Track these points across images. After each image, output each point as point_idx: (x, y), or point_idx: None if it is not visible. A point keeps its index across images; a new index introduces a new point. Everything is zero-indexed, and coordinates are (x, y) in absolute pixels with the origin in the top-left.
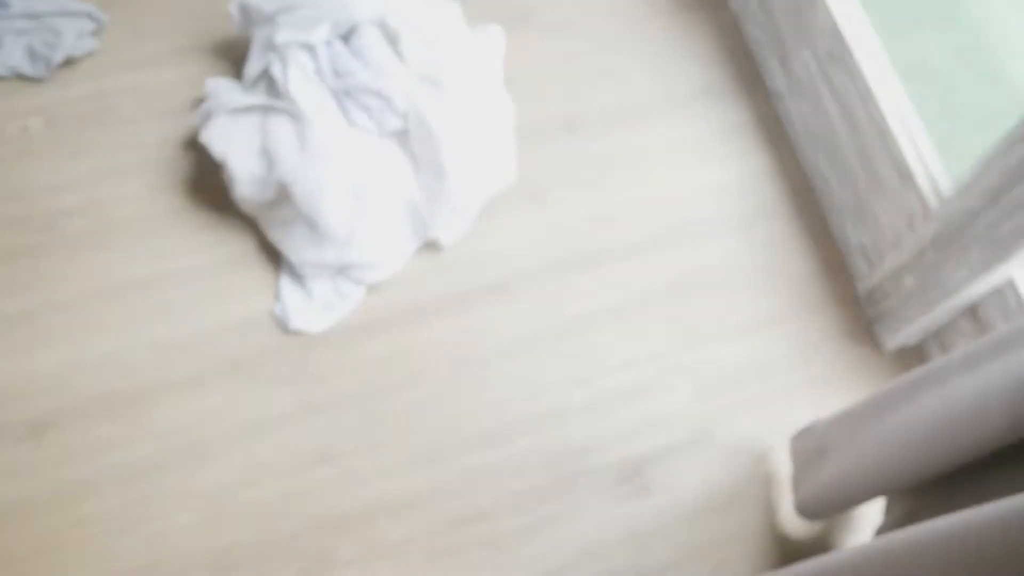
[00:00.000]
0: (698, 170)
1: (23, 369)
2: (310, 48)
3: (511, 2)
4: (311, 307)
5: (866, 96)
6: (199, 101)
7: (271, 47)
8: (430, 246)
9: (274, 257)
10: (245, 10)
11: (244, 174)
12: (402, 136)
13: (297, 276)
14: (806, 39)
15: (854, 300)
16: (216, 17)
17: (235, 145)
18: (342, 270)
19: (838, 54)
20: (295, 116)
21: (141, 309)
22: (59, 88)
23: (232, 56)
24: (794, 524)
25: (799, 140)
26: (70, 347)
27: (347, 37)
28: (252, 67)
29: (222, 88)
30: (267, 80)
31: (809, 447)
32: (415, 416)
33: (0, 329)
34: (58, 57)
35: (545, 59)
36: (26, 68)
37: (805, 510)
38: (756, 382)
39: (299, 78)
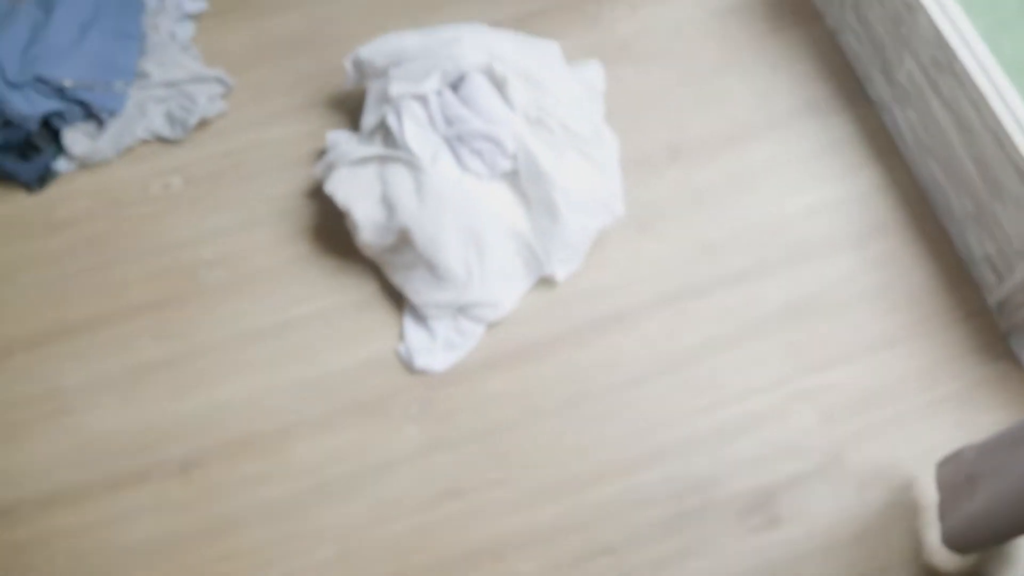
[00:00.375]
0: (807, 189)
1: (173, 411)
2: (422, 98)
3: (607, 36)
4: (434, 346)
5: (977, 101)
6: (320, 153)
7: (385, 99)
8: (545, 282)
9: (397, 299)
10: (359, 65)
11: (366, 221)
12: (513, 177)
13: (419, 317)
14: (908, 47)
15: (984, 312)
16: (331, 73)
17: (357, 194)
18: (462, 309)
19: (943, 60)
20: (412, 164)
21: (276, 352)
22: (195, 148)
23: (348, 108)
24: (941, 557)
25: (909, 151)
26: (214, 390)
27: (456, 85)
28: (368, 119)
29: (341, 140)
30: (383, 131)
31: (957, 474)
32: (540, 450)
33: (152, 374)
34: (193, 120)
35: (644, 90)
36: (165, 131)
37: (954, 542)
38: (885, 404)
39: (413, 128)
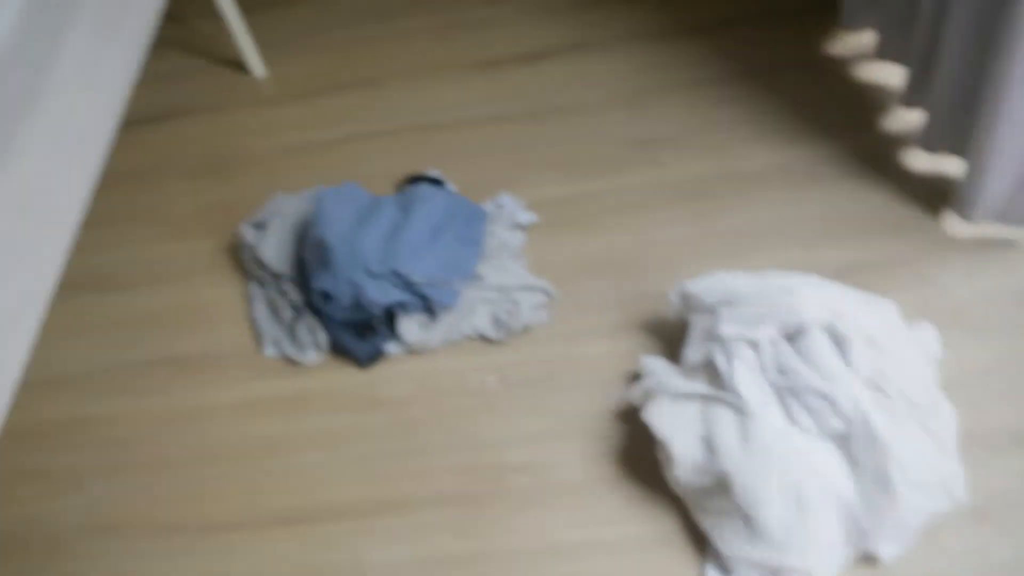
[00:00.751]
0: None
1: None
2: (755, 344)
3: (938, 299)
4: None
5: None
6: (633, 376)
7: (713, 337)
8: (867, 559)
9: (698, 542)
10: (686, 298)
11: (685, 458)
12: (843, 440)
13: (724, 569)
14: None
15: None
16: (649, 297)
17: (678, 429)
18: (774, 572)
19: None
20: (738, 409)
21: (567, 575)
22: (512, 351)
23: (663, 336)
24: None
25: None
26: None
27: (792, 337)
28: (692, 353)
29: (659, 369)
30: (709, 369)
31: None
32: None
33: (443, 570)
34: (517, 325)
35: (981, 362)
36: (490, 332)
37: None
38: None
39: (744, 372)
